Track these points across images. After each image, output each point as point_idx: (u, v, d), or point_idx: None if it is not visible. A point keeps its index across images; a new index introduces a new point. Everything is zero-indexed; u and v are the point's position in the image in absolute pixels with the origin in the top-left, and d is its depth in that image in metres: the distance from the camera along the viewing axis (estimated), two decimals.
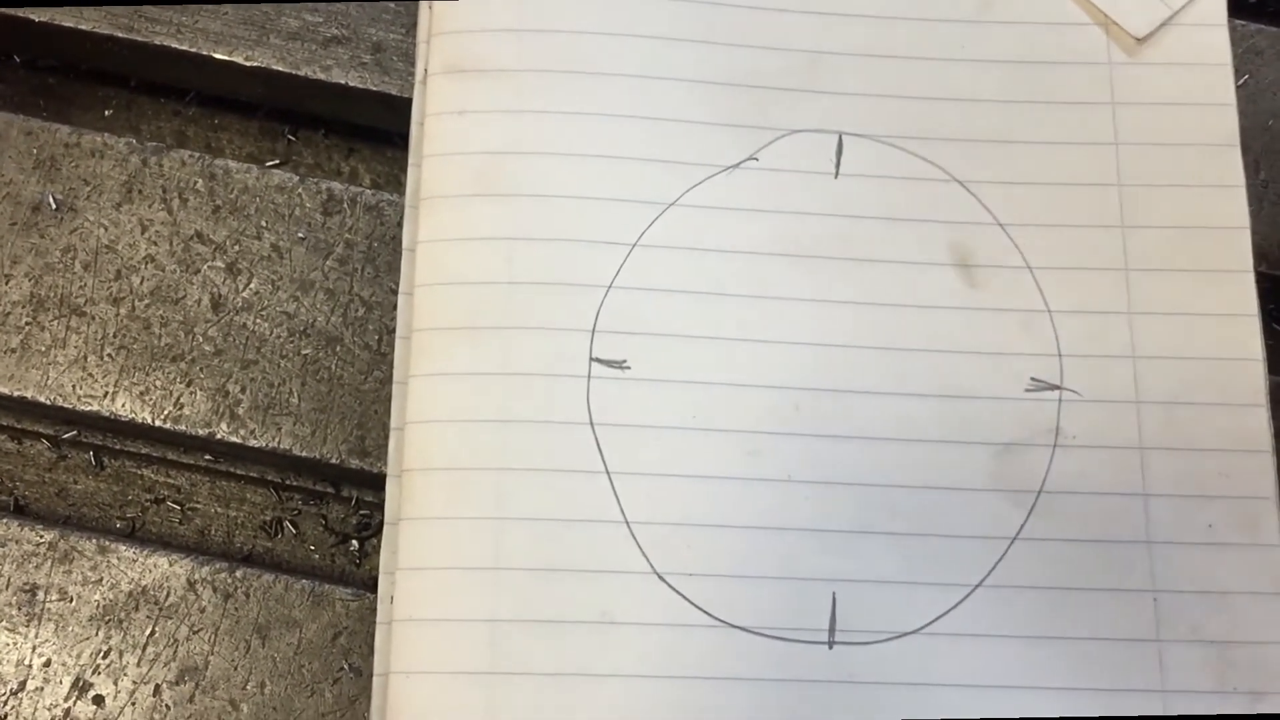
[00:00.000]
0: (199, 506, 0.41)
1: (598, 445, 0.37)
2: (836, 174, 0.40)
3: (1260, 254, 0.40)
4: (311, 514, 0.41)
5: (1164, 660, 0.36)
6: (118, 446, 0.41)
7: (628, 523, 0.36)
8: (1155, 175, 0.40)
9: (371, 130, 0.45)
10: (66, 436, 0.41)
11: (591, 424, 0.37)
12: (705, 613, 0.36)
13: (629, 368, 0.38)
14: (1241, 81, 0.42)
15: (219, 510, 0.41)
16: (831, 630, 0.36)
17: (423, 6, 0.41)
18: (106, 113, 0.45)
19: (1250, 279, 0.39)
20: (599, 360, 0.38)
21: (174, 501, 0.41)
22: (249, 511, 0.41)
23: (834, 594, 0.36)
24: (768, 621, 0.36)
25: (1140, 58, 0.41)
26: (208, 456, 0.41)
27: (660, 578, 0.36)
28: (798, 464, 0.37)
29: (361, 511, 0.41)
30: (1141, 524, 0.37)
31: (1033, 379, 0.38)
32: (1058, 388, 0.38)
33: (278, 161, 0.44)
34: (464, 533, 0.36)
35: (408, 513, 0.36)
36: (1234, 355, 0.38)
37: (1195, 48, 0.41)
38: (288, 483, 0.41)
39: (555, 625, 0.35)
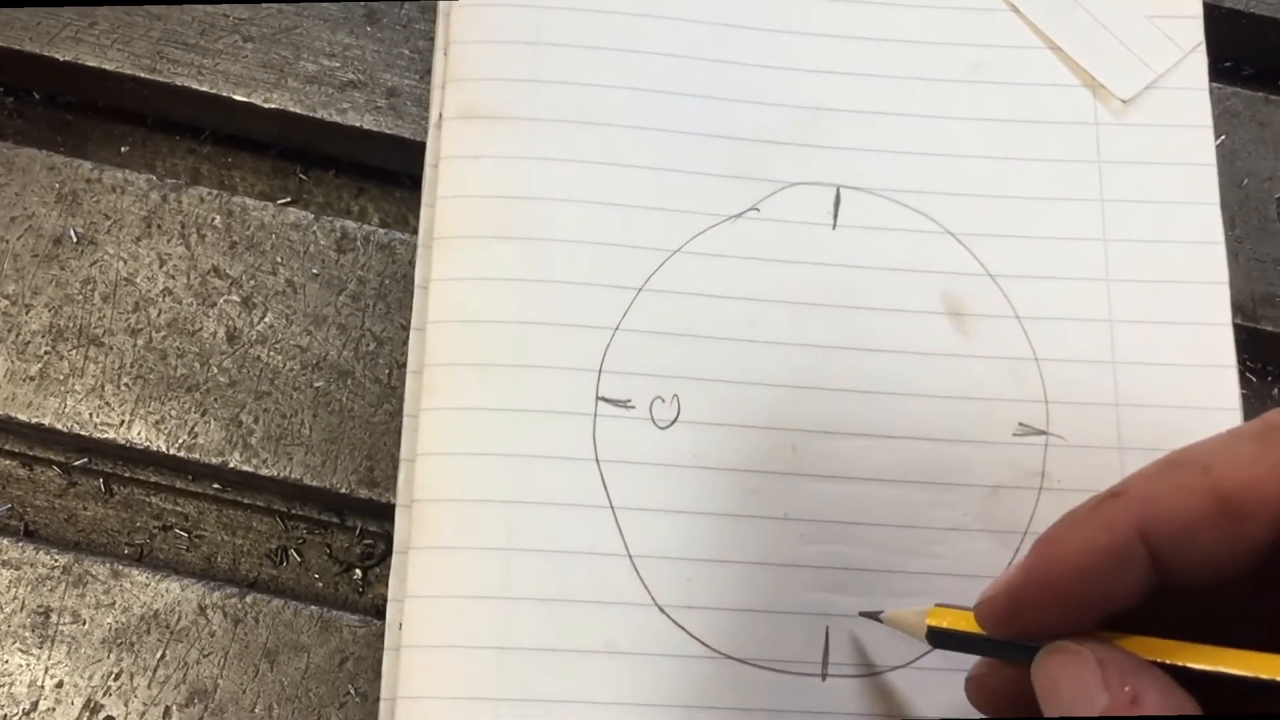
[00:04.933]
0: (206, 534, 0.42)
1: (603, 481, 0.38)
2: (834, 225, 0.41)
3: (1236, 307, 0.41)
4: (316, 542, 0.42)
5: None
6: (127, 474, 0.42)
7: (631, 556, 0.38)
8: (1139, 231, 0.42)
9: (380, 170, 0.46)
10: (77, 463, 0.42)
11: (597, 460, 0.38)
12: (703, 644, 0.37)
13: (633, 407, 0.39)
14: (1218, 142, 0.44)
15: (225, 538, 0.42)
16: (824, 663, 0.37)
17: (437, 53, 0.42)
18: (123, 149, 0.46)
19: (1228, 331, 0.41)
20: (604, 399, 0.39)
21: (181, 529, 0.42)
22: (255, 540, 0.42)
23: (827, 628, 0.38)
24: (763, 654, 0.37)
25: (1125, 119, 0.43)
26: (215, 485, 0.42)
27: (661, 610, 0.37)
28: (794, 503, 0.38)
29: (365, 541, 0.42)
30: None
31: (1020, 424, 0.40)
32: (1044, 433, 0.40)
33: (289, 199, 0.45)
34: (472, 562, 0.37)
35: (417, 542, 0.37)
36: (1212, 404, 0.40)
37: (1177, 110, 0.43)
38: (293, 511, 0.42)
39: (560, 654, 0.37)
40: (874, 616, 0.37)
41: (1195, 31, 0.44)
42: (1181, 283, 0.41)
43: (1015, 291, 0.41)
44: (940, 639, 0.33)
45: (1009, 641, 0.31)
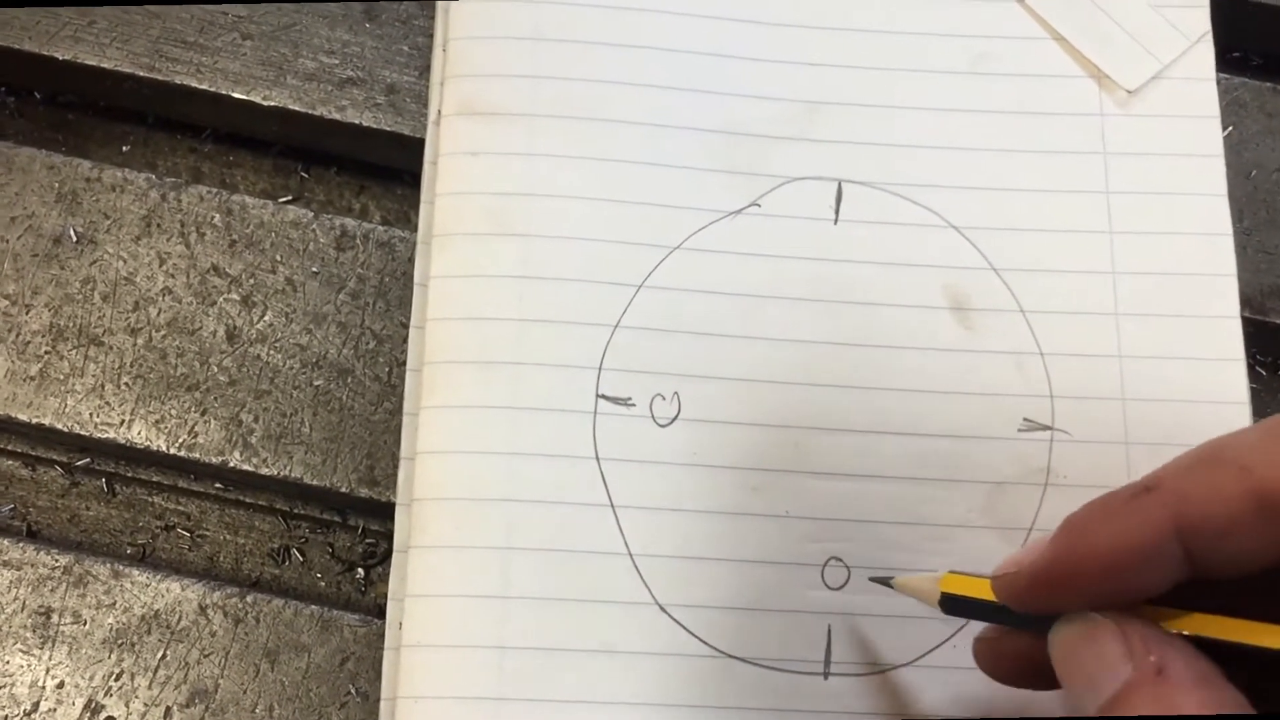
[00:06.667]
0: (208, 533, 0.42)
1: (603, 479, 0.38)
2: (836, 220, 0.41)
3: (1244, 300, 0.41)
4: (318, 542, 0.42)
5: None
6: (129, 474, 0.42)
7: (631, 555, 0.37)
8: (1145, 223, 0.41)
9: (382, 168, 0.46)
10: (80, 464, 0.42)
11: (597, 458, 0.38)
12: (705, 643, 0.37)
13: (634, 405, 0.39)
14: (1226, 133, 0.44)
15: (228, 537, 0.42)
16: (827, 662, 0.37)
17: (436, 50, 0.42)
18: (124, 148, 0.46)
19: (1237, 324, 0.40)
20: (605, 397, 0.39)
21: (184, 528, 0.42)
22: (257, 539, 0.42)
23: (829, 627, 0.37)
24: (765, 653, 0.37)
25: (1131, 110, 0.43)
26: (218, 485, 0.42)
27: (662, 608, 0.37)
28: (795, 500, 0.38)
29: (367, 540, 0.42)
30: None
31: (1025, 419, 0.39)
32: (1049, 428, 0.39)
33: (291, 198, 0.45)
34: (472, 561, 0.37)
35: (417, 541, 0.37)
36: (1220, 398, 0.39)
37: (1184, 100, 0.42)
38: (295, 511, 0.42)
39: (561, 653, 0.36)
40: (884, 582, 0.36)
41: (1202, 21, 0.43)
42: (1189, 275, 0.41)
43: (1019, 285, 0.40)
44: (954, 606, 0.33)
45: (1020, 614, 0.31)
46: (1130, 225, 0.41)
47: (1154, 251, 0.41)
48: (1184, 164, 0.42)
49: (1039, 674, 0.31)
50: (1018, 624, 0.31)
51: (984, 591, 0.31)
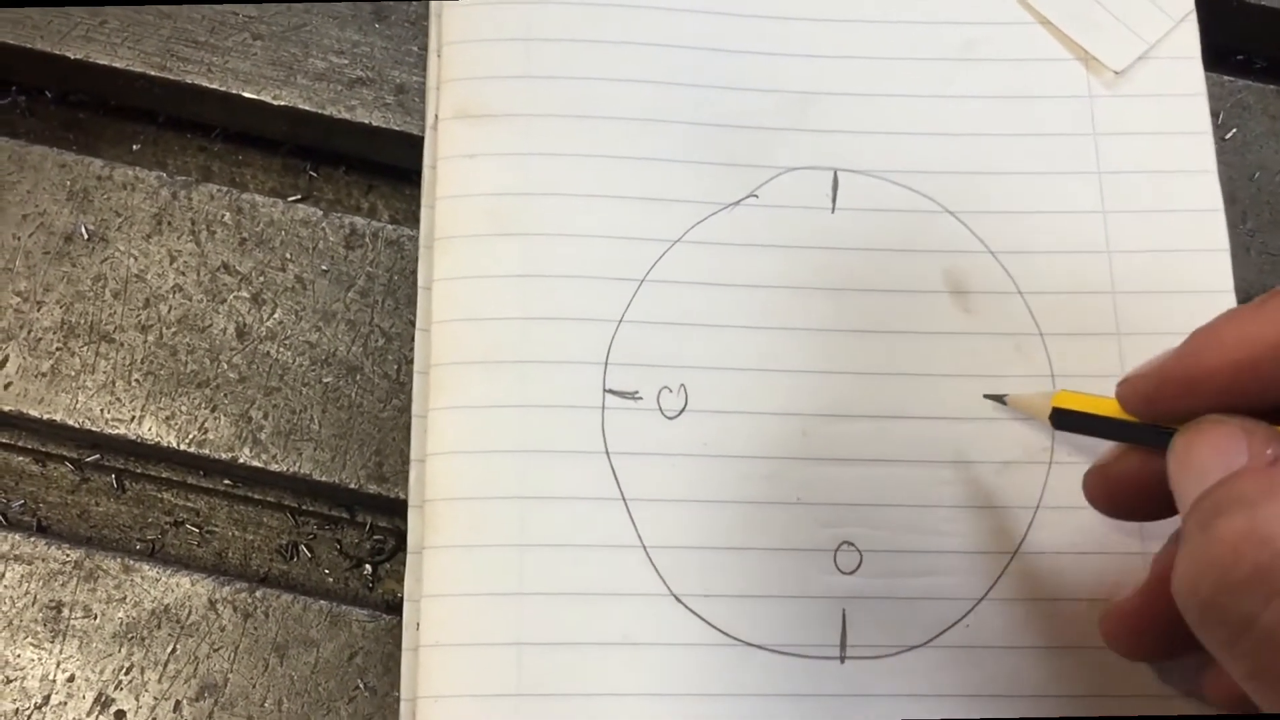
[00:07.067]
0: (217, 530, 0.42)
1: (614, 473, 0.38)
2: (833, 208, 0.41)
3: (1247, 301, 0.41)
4: (326, 538, 0.42)
5: (1164, 666, 0.37)
6: (139, 470, 0.42)
7: (645, 547, 0.37)
8: (1137, 202, 0.42)
9: (390, 167, 0.46)
10: (90, 460, 0.42)
11: (607, 453, 0.38)
12: (721, 632, 0.37)
13: (641, 398, 0.39)
14: (1229, 135, 0.44)
15: (236, 534, 0.42)
16: (843, 646, 0.37)
17: (431, 55, 0.43)
18: (135, 147, 0.46)
19: (1231, 298, 0.40)
20: (612, 392, 0.39)
21: (193, 524, 0.42)
22: (265, 535, 0.42)
23: (844, 610, 0.37)
24: (781, 639, 0.37)
25: (1119, 90, 0.43)
26: (226, 481, 0.42)
27: (677, 599, 0.37)
28: (806, 487, 0.38)
29: (375, 537, 0.42)
30: (1136, 535, 0.38)
31: None
32: None
33: (300, 196, 0.45)
34: (487, 559, 0.37)
35: (431, 541, 0.37)
36: None
37: (1171, 79, 0.43)
38: (304, 507, 0.42)
39: (578, 647, 0.36)
40: (999, 400, 0.38)
41: (1185, 0, 0.44)
42: (1182, 251, 0.41)
43: (1016, 267, 0.41)
44: (1065, 420, 0.33)
45: (1136, 425, 0.31)
46: (1123, 204, 0.41)
47: (1147, 229, 0.41)
48: (1173, 142, 0.42)
49: (1150, 500, 0.31)
50: (1126, 437, 0.31)
51: (1095, 408, 0.32)
